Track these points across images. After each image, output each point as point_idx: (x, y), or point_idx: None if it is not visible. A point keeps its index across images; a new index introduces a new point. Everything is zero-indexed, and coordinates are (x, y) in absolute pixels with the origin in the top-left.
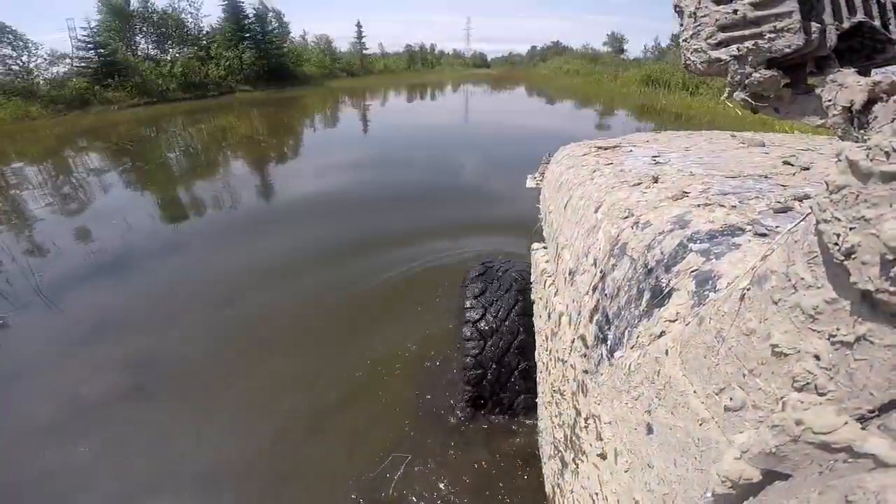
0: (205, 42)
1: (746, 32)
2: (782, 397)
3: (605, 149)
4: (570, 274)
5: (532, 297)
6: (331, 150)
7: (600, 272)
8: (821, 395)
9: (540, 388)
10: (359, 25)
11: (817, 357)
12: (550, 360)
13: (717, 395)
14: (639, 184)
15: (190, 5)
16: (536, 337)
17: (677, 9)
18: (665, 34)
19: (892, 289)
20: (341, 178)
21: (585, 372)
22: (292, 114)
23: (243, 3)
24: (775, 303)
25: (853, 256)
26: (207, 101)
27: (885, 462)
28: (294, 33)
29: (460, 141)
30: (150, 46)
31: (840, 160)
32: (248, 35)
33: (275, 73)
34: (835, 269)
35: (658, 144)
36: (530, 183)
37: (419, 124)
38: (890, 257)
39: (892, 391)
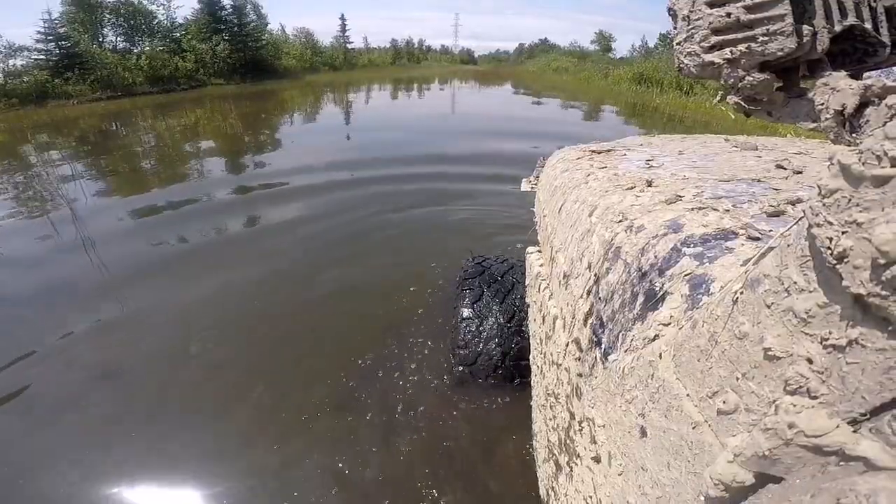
0: (177, 34)
1: (739, 36)
2: (775, 400)
3: (599, 153)
4: (564, 277)
5: (527, 300)
6: (301, 153)
7: (594, 276)
8: (813, 398)
9: (534, 392)
10: (342, 18)
11: (810, 360)
12: (545, 363)
13: (710, 398)
14: (633, 188)
15: None
16: (531, 340)
17: (671, 11)
18: (652, 34)
19: (883, 293)
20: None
21: (580, 375)
22: (261, 109)
23: None
24: (768, 306)
25: (845, 260)
26: (176, 94)
27: (877, 465)
28: (272, 26)
29: (446, 141)
30: (118, 39)
31: (832, 164)
32: (223, 27)
33: (252, 66)
34: (827, 272)
35: (652, 148)
36: (525, 186)
37: (405, 123)
38: (881, 261)
39: (883, 394)
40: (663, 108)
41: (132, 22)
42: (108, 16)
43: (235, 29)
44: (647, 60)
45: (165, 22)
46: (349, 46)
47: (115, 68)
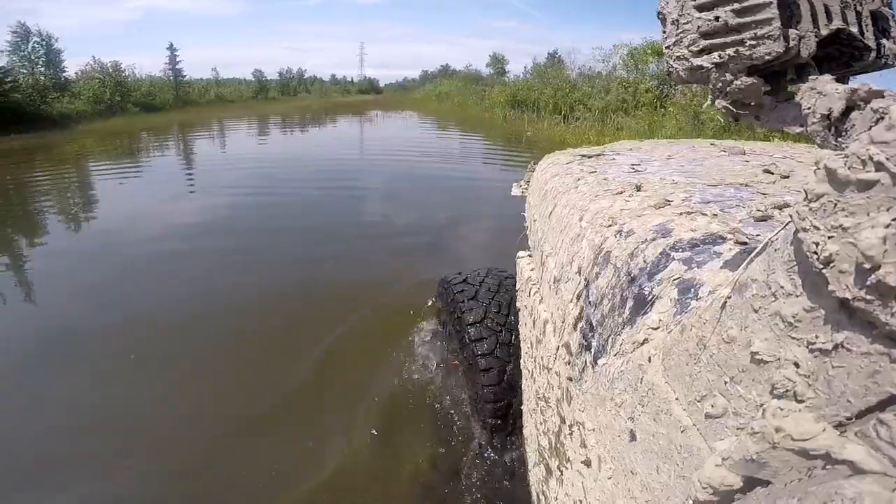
0: None
1: (728, 39)
2: (762, 404)
3: (589, 157)
4: (554, 282)
5: (517, 304)
6: None
7: (584, 280)
8: (800, 402)
9: (525, 396)
10: (171, 48)
11: (797, 364)
12: (535, 367)
13: (698, 402)
14: (622, 192)
15: None
16: (521, 344)
17: (660, 15)
18: (542, 56)
19: (868, 297)
20: None
21: (570, 379)
22: None
23: None
24: (756, 311)
25: (831, 265)
26: None
27: (862, 468)
28: (73, 59)
29: None
30: None
31: (818, 168)
32: None
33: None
34: (814, 277)
35: (641, 153)
36: (515, 191)
37: None
38: (867, 266)
39: (868, 398)
40: (538, 140)
41: None
42: None
43: None
44: (523, 81)
45: None
46: (182, 79)
47: None
